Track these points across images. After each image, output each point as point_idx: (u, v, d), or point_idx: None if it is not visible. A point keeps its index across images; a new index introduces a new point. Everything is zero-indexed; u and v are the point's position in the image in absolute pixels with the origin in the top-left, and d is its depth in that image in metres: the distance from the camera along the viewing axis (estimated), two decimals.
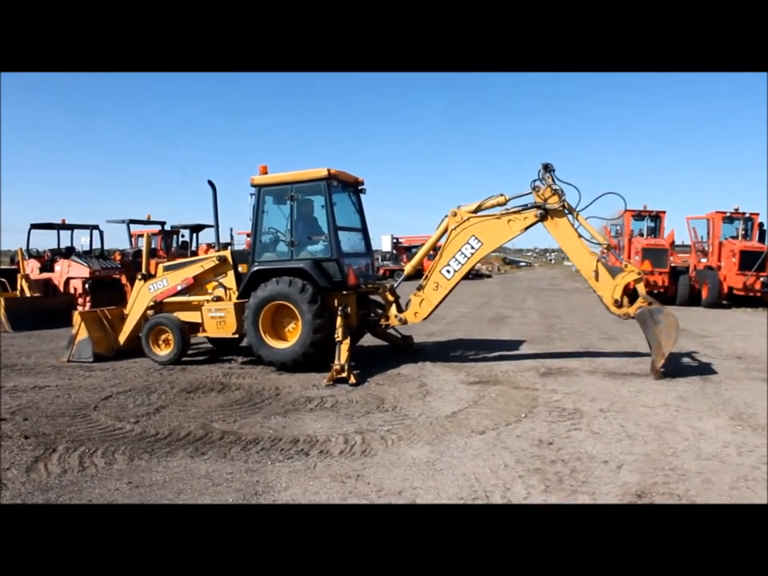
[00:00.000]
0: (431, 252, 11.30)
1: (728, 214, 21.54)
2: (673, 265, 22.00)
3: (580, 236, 9.41)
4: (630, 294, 9.19)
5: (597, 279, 9.27)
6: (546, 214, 9.35)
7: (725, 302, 20.67)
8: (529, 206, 9.52)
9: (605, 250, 10.81)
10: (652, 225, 24.91)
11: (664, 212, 24.78)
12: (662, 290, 21.59)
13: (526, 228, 9.57)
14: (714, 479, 5.10)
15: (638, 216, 24.55)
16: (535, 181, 9.46)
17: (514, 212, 9.60)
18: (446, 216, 10.03)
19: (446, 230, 10.02)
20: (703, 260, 21.92)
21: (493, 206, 9.82)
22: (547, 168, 9.41)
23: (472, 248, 9.71)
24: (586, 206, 9.39)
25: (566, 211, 9.38)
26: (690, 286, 21.19)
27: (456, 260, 9.78)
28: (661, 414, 7.10)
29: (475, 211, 9.83)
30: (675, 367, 9.73)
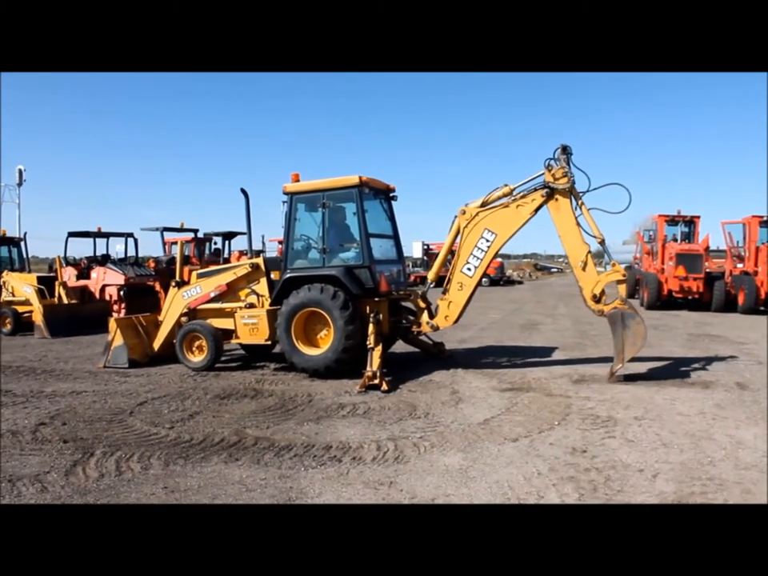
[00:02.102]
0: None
1: (765, 218, 21.11)
2: (708, 270, 21.65)
3: (578, 224, 9.39)
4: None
5: (583, 269, 9.31)
6: (552, 193, 9.36)
7: (762, 308, 20.29)
8: (535, 187, 9.53)
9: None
10: (686, 230, 24.61)
11: (698, 217, 24.48)
12: (696, 296, 21.27)
13: (536, 210, 9.54)
14: (753, 489, 5.01)
15: (672, 221, 24.28)
16: (550, 159, 9.43)
17: (521, 197, 9.60)
18: (456, 216, 10.03)
19: (458, 231, 10.02)
20: (739, 265, 21.52)
21: (499, 198, 9.80)
22: (565, 150, 9.40)
23: (487, 241, 9.72)
24: (590, 190, 9.40)
25: (571, 196, 9.37)
26: (725, 291, 20.81)
27: (474, 256, 9.78)
28: (697, 422, 7.00)
29: (482, 206, 9.82)
30: (712, 375, 9.59)
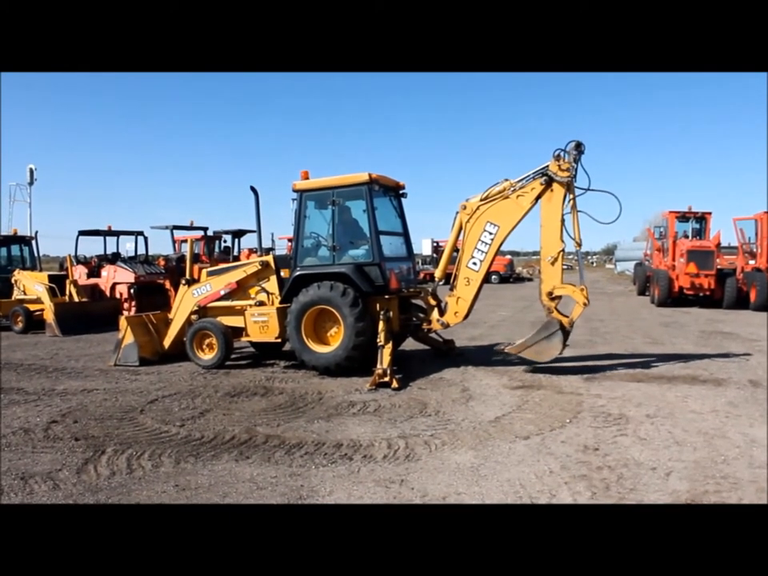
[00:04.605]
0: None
1: None
2: (719, 267, 21.43)
3: (563, 221, 9.41)
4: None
5: (552, 264, 9.43)
6: (550, 182, 9.35)
7: None
8: (534, 176, 9.51)
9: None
10: (697, 226, 24.45)
11: (710, 213, 24.29)
12: (707, 293, 21.08)
13: (536, 200, 9.52)
14: None
15: (683, 218, 24.10)
16: (560, 150, 9.37)
17: (520, 187, 9.58)
18: (457, 212, 10.02)
19: (461, 227, 10.00)
20: (751, 262, 21.34)
21: (499, 192, 9.76)
22: (579, 146, 9.35)
23: (490, 234, 9.71)
24: (588, 189, 9.41)
25: (567, 192, 9.38)
26: (737, 288, 20.62)
27: (479, 250, 9.77)
28: (710, 420, 6.95)
29: (483, 200, 9.81)
30: (724, 372, 9.52)
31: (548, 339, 9.31)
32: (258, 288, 10.61)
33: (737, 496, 4.80)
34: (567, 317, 9.40)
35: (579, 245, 9.50)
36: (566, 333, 9.43)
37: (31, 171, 38.50)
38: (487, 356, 11.31)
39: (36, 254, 19.89)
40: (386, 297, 9.76)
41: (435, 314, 10.25)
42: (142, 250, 21.33)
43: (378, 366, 8.95)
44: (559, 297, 9.44)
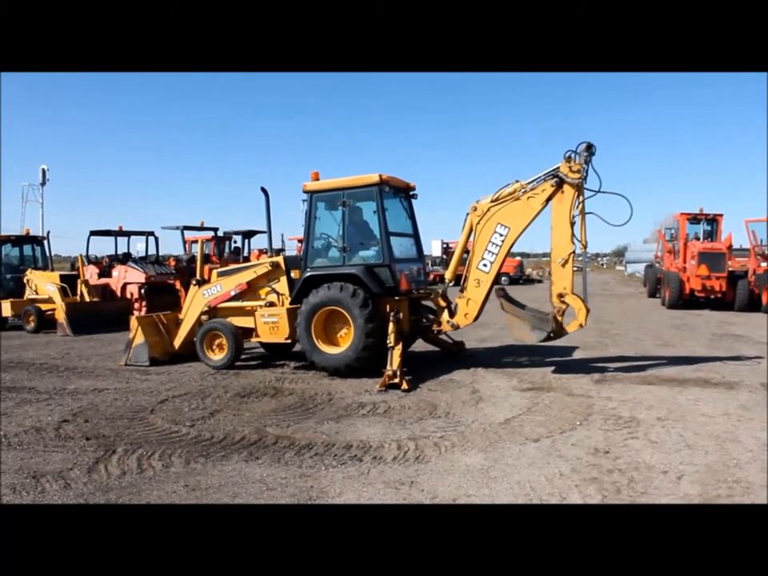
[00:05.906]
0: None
1: None
2: (731, 269, 21.26)
3: (572, 223, 9.37)
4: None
5: (562, 266, 9.42)
6: (561, 184, 9.32)
7: None
8: (545, 177, 9.47)
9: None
10: (708, 228, 24.29)
11: (721, 215, 24.13)
12: (719, 296, 20.93)
13: (547, 201, 9.48)
14: None
15: (694, 219, 23.95)
16: (571, 151, 9.32)
17: (531, 189, 9.55)
18: (468, 214, 9.99)
19: (471, 228, 9.97)
20: (763, 264, 21.11)
21: (510, 194, 9.72)
22: (589, 148, 9.30)
23: (501, 235, 9.68)
24: (599, 191, 9.40)
25: (577, 193, 9.34)
26: (749, 291, 20.45)
27: (489, 252, 9.74)
28: (722, 424, 6.90)
29: (494, 201, 9.78)
30: (736, 375, 9.46)
31: (532, 328, 9.46)
32: (269, 289, 10.63)
33: (749, 500, 4.76)
34: (564, 327, 9.45)
35: (585, 247, 9.46)
36: (550, 337, 9.51)
37: (43, 171, 38.72)
38: (497, 358, 11.29)
39: (48, 254, 20.02)
40: (396, 298, 9.77)
41: (445, 315, 10.22)
42: (152, 251, 21.46)
43: (388, 367, 8.94)
44: (567, 305, 9.42)
